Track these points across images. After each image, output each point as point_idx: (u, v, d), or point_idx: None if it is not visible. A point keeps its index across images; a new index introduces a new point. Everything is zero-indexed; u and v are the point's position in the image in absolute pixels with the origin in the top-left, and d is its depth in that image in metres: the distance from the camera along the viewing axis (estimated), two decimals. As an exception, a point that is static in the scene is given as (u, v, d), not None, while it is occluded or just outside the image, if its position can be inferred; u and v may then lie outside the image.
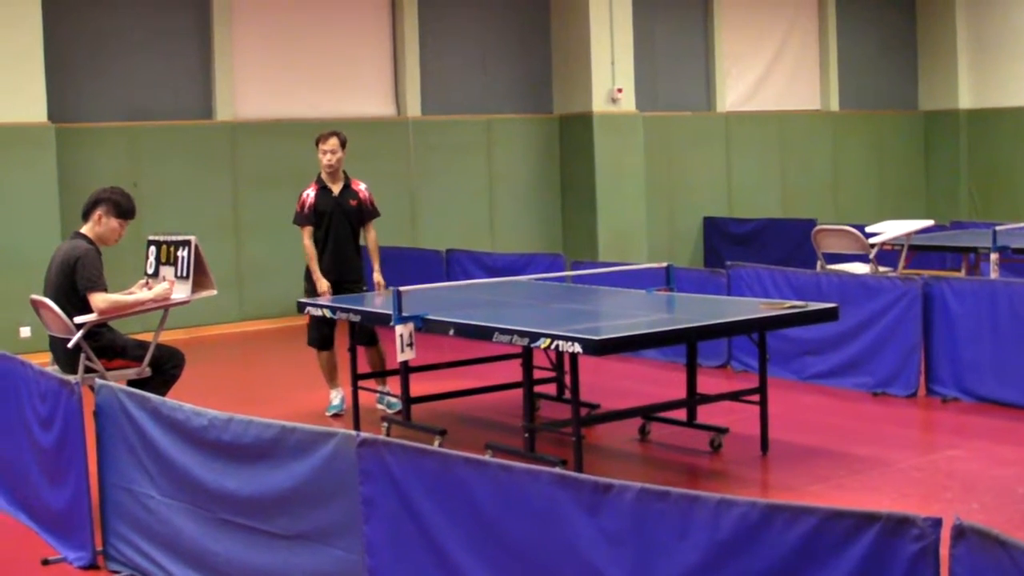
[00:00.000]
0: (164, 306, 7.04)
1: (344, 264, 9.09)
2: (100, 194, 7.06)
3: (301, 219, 9.09)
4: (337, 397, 9.07)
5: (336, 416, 8.97)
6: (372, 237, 9.22)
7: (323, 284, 8.92)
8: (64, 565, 5.77)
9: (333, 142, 9.05)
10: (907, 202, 19.65)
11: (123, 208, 7.04)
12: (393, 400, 8.94)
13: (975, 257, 11.65)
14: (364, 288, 9.15)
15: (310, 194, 9.08)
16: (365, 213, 9.16)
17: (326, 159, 9.03)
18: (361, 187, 9.20)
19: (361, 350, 8.74)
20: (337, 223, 9.05)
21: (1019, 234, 11.65)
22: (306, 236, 9.06)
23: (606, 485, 3.68)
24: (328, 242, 9.05)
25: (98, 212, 6.99)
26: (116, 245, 7.23)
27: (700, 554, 3.48)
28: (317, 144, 9.12)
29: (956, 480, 6.90)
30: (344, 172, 9.15)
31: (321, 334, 8.99)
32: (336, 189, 9.10)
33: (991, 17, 19.49)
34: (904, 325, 8.99)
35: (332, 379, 9.11)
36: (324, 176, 9.11)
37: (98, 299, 6.75)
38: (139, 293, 7.04)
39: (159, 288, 6.99)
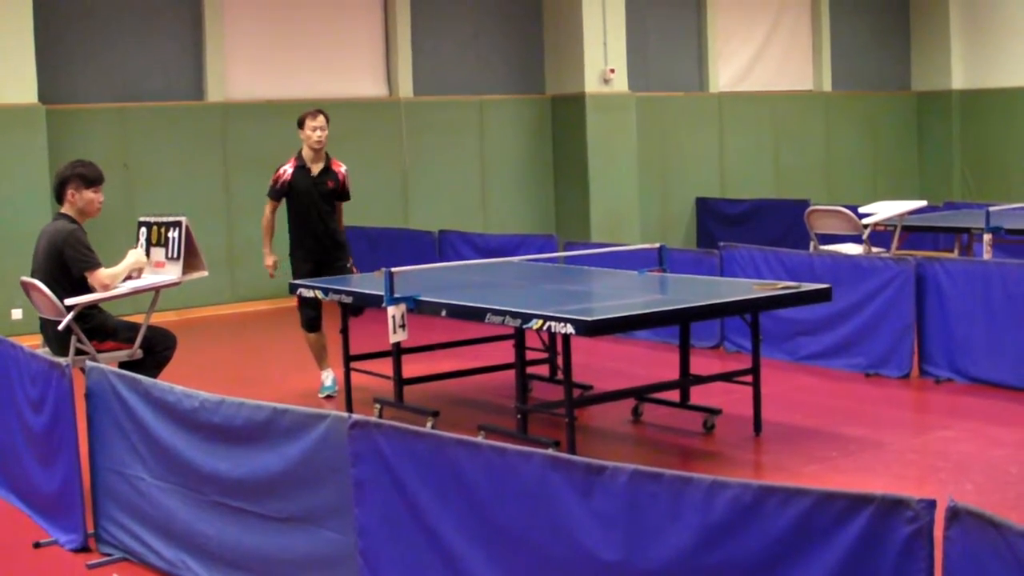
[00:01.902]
0: (154, 287, 7.01)
1: (327, 244, 9.04)
2: (63, 173, 7.03)
3: (271, 192, 9.07)
4: (328, 378, 9.05)
5: (329, 398, 8.96)
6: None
7: (269, 259, 9.01)
8: (55, 548, 5.76)
9: (321, 119, 8.97)
10: (900, 183, 19.65)
11: (90, 177, 7.01)
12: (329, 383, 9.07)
13: (968, 238, 11.66)
14: (350, 266, 9.12)
15: (287, 170, 9.00)
16: (339, 194, 9.11)
17: (316, 135, 8.94)
18: (341, 169, 9.12)
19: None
20: (314, 204, 8.96)
21: (1012, 215, 11.66)
22: (268, 209, 9.07)
23: (599, 467, 3.67)
24: (307, 224, 8.98)
25: (69, 190, 6.97)
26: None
27: (693, 536, 3.47)
28: (303, 123, 8.98)
29: (949, 461, 6.90)
30: (326, 152, 9.09)
31: (307, 316, 8.96)
32: (316, 169, 9.00)
33: (984, -3, 19.48)
34: (897, 306, 8.99)
35: (322, 361, 9.09)
36: (307, 154, 9.01)
37: (101, 275, 6.73)
38: (123, 262, 7.02)
39: (132, 256, 7.00)
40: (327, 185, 8.99)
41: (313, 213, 8.97)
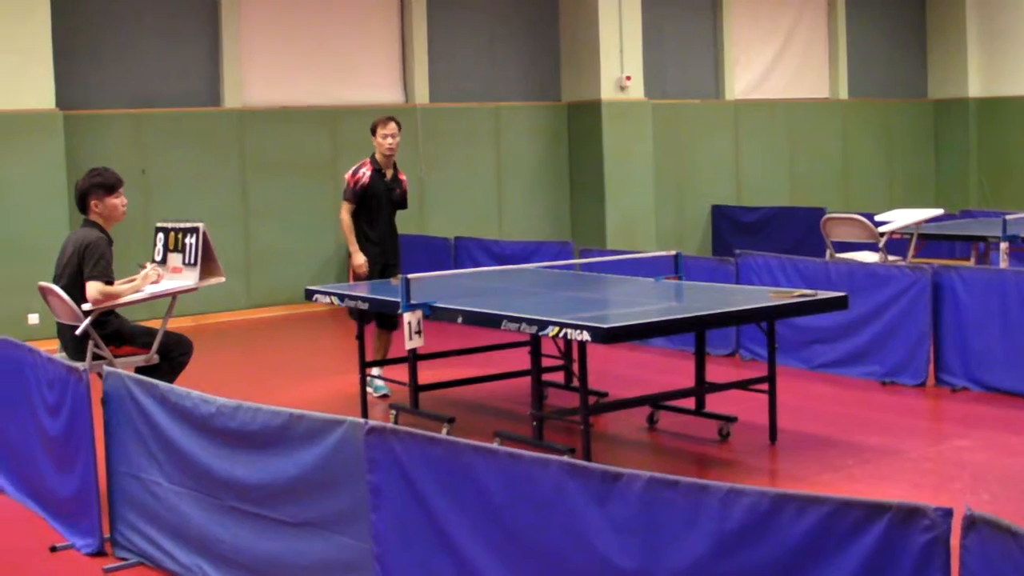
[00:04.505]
0: (171, 293, 7.03)
1: (391, 248, 9.21)
2: (82, 185, 7.03)
3: (348, 194, 9.09)
4: (380, 380, 9.09)
5: (384, 397, 8.96)
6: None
7: (359, 257, 8.99)
8: (72, 552, 5.78)
9: (392, 126, 9.10)
10: (916, 191, 19.61)
11: (109, 184, 7.04)
12: (379, 383, 9.02)
13: (984, 246, 11.62)
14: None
15: (366, 173, 9.07)
16: (400, 202, 9.28)
17: (387, 143, 9.05)
18: (404, 177, 9.34)
19: (372, 332, 8.72)
20: (385, 208, 9.15)
21: (1029, 223, 11.61)
22: (347, 212, 9.09)
23: (615, 474, 3.67)
24: (376, 226, 9.11)
25: (92, 201, 6.99)
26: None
27: (709, 544, 3.46)
28: (374, 130, 9.09)
29: (966, 470, 6.88)
30: (394, 160, 9.22)
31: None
32: (388, 174, 9.18)
33: (1001, 5, 19.41)
34: (913, 314, 8.96)
35: (381, 359, 9.08)
36: (380, 159, 9.12)
37: (91, 287, 6.72)
38: (130, 285, 7.02)
39: (143, 275, 7.01)
40: (396, 192, 9.18)
41: (383, 217, 9.14)
